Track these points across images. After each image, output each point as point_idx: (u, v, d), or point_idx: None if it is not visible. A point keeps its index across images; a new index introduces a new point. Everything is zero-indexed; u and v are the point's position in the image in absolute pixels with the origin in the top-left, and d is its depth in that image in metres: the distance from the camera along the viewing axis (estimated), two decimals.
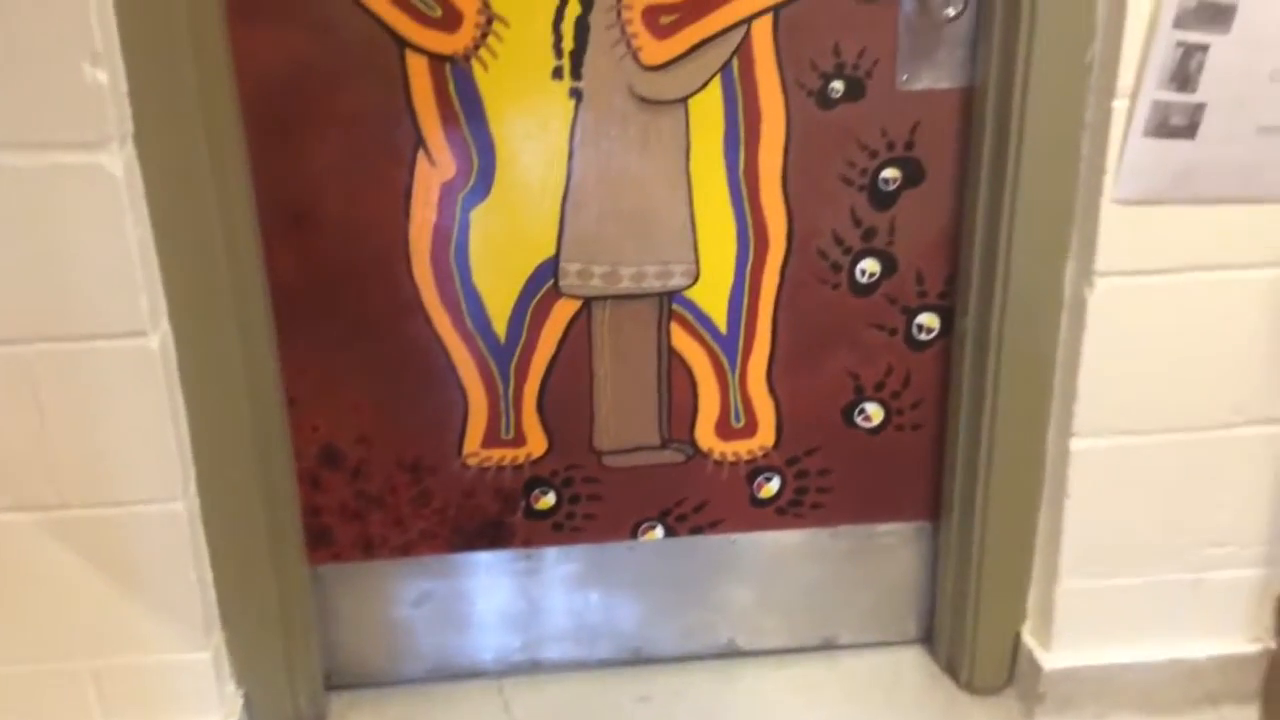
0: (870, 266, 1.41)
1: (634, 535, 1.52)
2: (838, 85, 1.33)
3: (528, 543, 1.50)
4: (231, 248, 1.25)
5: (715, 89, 1.32)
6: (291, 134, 1.29)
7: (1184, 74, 1.17)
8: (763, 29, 1.30)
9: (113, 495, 1.26)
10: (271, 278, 1.34)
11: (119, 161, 1.12)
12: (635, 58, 1.30)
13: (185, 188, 1.20)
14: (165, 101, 1.16)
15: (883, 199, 1.38)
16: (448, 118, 1.29)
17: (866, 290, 1.42)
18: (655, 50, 1.30)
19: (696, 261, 1.39)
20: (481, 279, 1.36)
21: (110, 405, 1.22)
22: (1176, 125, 1.19)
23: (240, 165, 1.26)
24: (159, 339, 1.21)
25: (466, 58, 1.27)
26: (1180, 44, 1.16)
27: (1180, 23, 1.15)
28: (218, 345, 1.27)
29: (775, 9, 1.29)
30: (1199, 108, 1.18)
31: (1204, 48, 1.16)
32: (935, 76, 1.33)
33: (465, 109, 1.29)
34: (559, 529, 1.50)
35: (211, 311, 1.25)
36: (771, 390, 1.46)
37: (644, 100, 1.32)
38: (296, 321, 1.36)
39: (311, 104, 1.28)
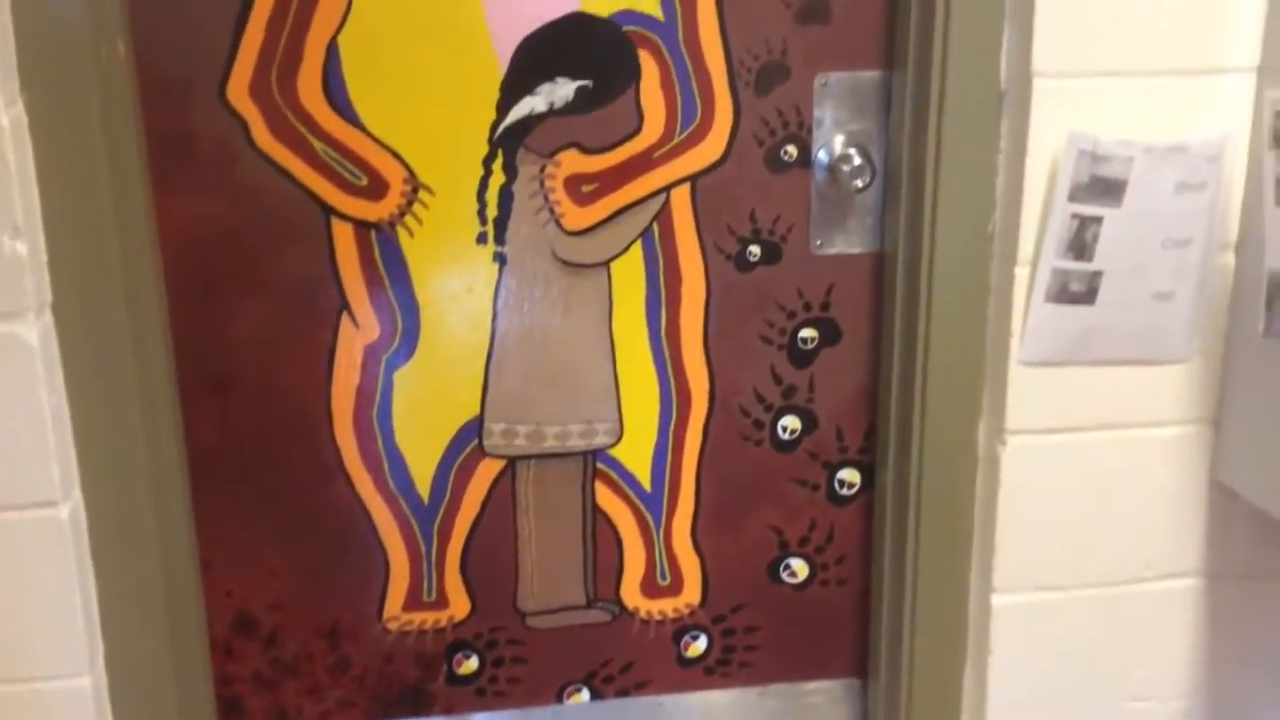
0: (791, 423, 1.44)
1: (559, 699, 1.48)
2: (755, 249, 1.37)
3: (449, 710, 1.46)
4: (149, 414, 1.24)
5: (637, 253, 1.35)
6: (214, 299, 1.29)
7: (1080, 244, 1.23)
8: (682, 196, 1.34)
9: (13, 671, 1.21)
10: (190, 443, 1.32)
11: (34, 331, 1.11)
12: (558, 223, 1.33)
13: (103, 355, 1.19)
14: (85, 270, 1.15)
15: (802, 357, 1.42)
16: (373, 282, 1.31)
17: (788, 446, 1.44)
18: (577, 216, 1.33)
19: (620, 420, 1.40)
20: (405, 440, 1.36)
21: (15, 577, 1.18)
22: (1076, 291, 1.25)
23: (160, 331, 1.26)
24: (69, 508, 1.18)
25: (392, 224, 1.30)
26: (1075, 216, 1.22)
27: (1074, 196, 1.21)
28: (131, 513, 1.24)
29: (693, 178, 1.34)
30: (1096, 275, 1.24)
31: (1098, 219, 1.22)
32: (847, 242, 1.38)
33: (390, 273, 1.31)
34: (482, 694, 1.46)
35: (126, 479, 1.23)
36: (696, 547, 1.46)
37: (567, 264, 1.35)
38: (214, 486, 1.34)
39: (235, 270, 1.28)
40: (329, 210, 1.28)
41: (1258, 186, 1.21)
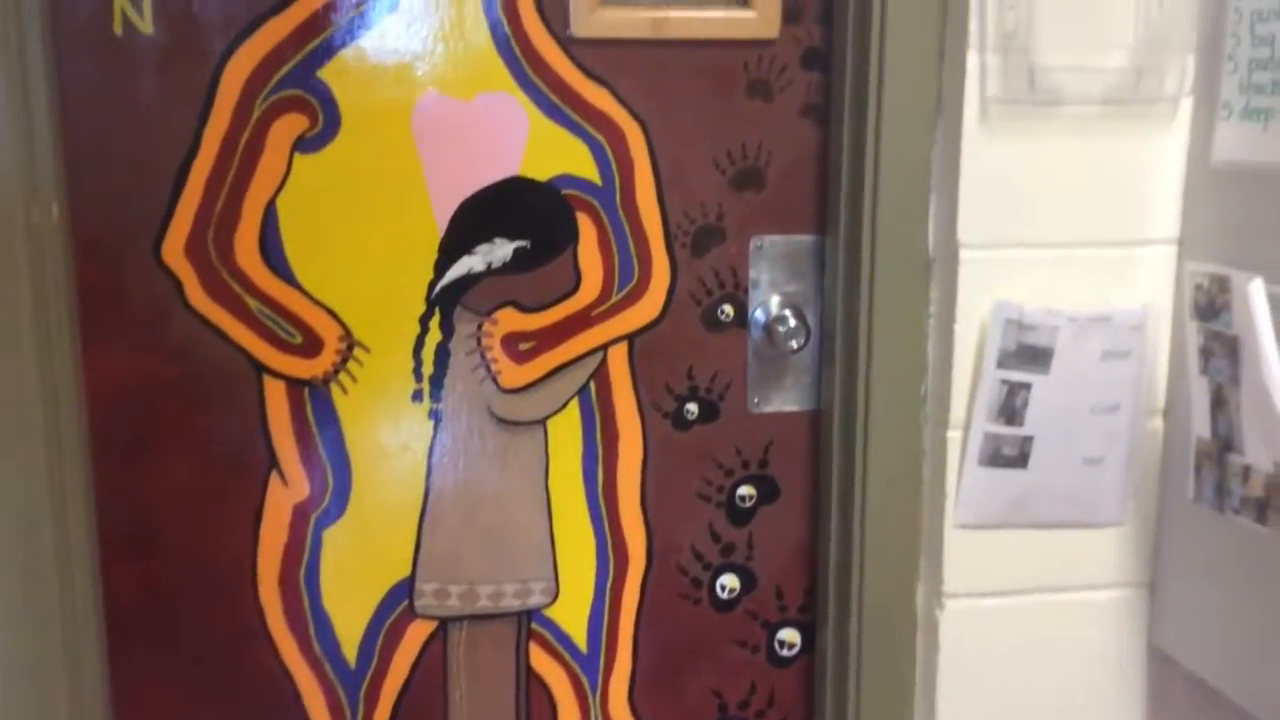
0: (730, 582, 1.42)
1: None
2: (692, 407, 1.37)
3: None
4: (65, 571, 1.20)
5: (574, 410, 1.35)
6: (141, 457, 1.27)
7: (1011, 409, 1.24)
8: (619, 354, 1.35)
9: None
10: (108, 602, 1.28)
11: None
12: (495, 381, 1.33)
13: (19, 510, 1.16)
14: (3, 426, 1.13)
15: (740, 515, 1.40)
16: (304, 440, 1.29)
17: (727, 606, 1.42)
18: (514, 374, 1.33)
19: (556, 579, 1.38)
20: (332, 602, 1.32)
21: None
22: (1008, 455, 1.26)
23: (81, 486, 1.23)
24: None
25: (326, 382, 1.29)
26: (1005, 382, 1.23)
27: (1003, 363, 1.23)
28: (43, 674, 1.19)
29: (631, 336, 1.34)
30: (1028, 440, 1.25)
31: (1027, 386, 1.23)
32: (784, 400, 1.39)
33: (322, 431, 1.29)
34: None
35: (38, 638, 1.19)
36: (634, 711, 1.42)
37: (503, 421, 1.34)
38: (132, 648, 1.29)
39: (163, 428, 1.26)
40: (261, 368, 1.27)
41: (1182, 355, 1.23)
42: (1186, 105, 1.23)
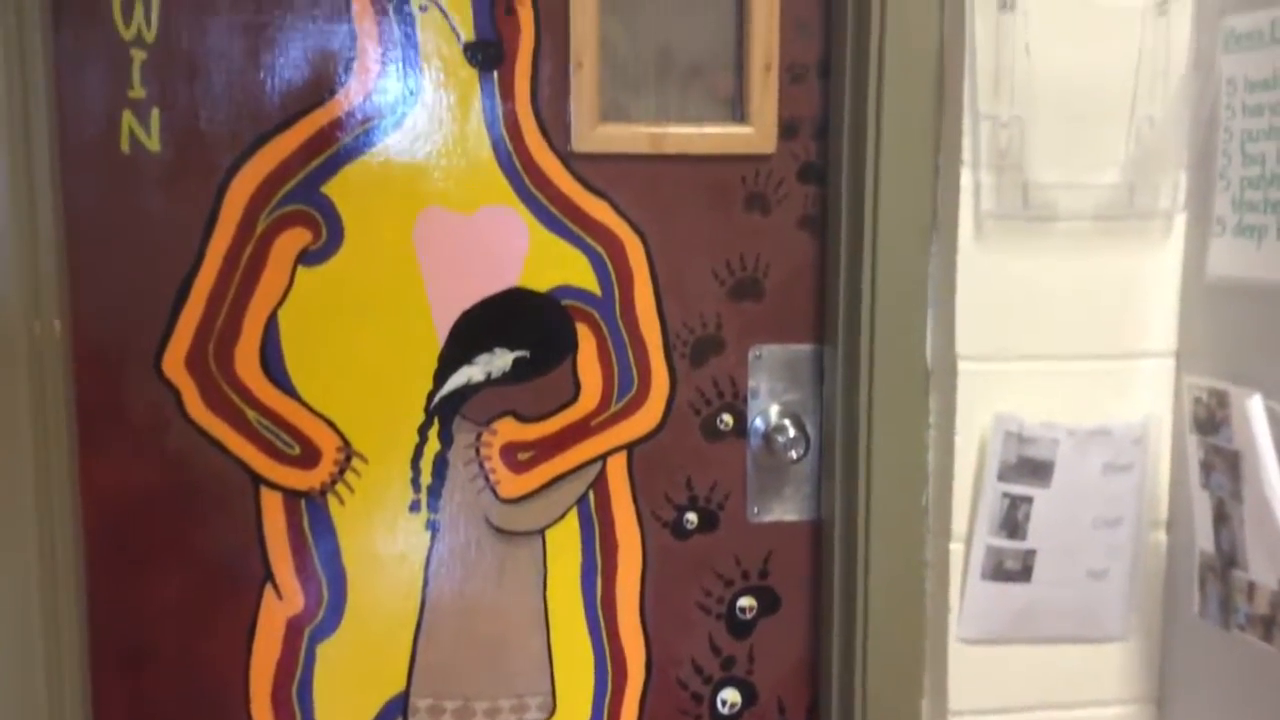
0: (731, 696, 1.39)
1: None
2: (692, 517, 1.36)
3: None
4: (55, 684, 1.18)
5: (572, 520, 1.34)
6: (135, 569, 1.26)
7: (1013, 522, 1.23)
8: (618, 464, 1.34)
9: None
10: (98, 717, 1.25)
11: None
12: (493, 491, 1.32)
13: (10, 620, 1.15)
14: None
15: (740, 627, 1.39)
16: (299, 552, 1.28)
17: None
18: (513, 484, 1.32)
19: (553, 693, 1.35)
20: (325, 718, 1.30)
21: None
22: (1011, 569, 1.24)
23: (75, 599, 1.22)
24: None
25: (323, 493, 1.28)
26: (1006, 495, 1.23)
27: (1004, 476, 1.22)
28: None
29: (630, 446, 1.34)
30: (1030, 553, 1.24)
31: (1028, 499, 1.23)
32: (784, 510, 1.38)
33: (318, 543, 1.28)
34: None
35: None
36: None
37: (501, 531, 1.33)
38: None
39: (159, 539, 1.26)
40: (258, 479, 1.26)
41: (1184, 468, 1.22)
42: (1180, 220, 1.24)
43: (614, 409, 1.33)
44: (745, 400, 1.36)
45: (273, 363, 1.25)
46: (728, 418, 1.36)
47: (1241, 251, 1.15)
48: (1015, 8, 1.18)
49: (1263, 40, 1.12)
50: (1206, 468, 1.17)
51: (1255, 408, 1.10)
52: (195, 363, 1.24)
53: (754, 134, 1.32)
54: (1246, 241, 1.14)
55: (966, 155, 1.21)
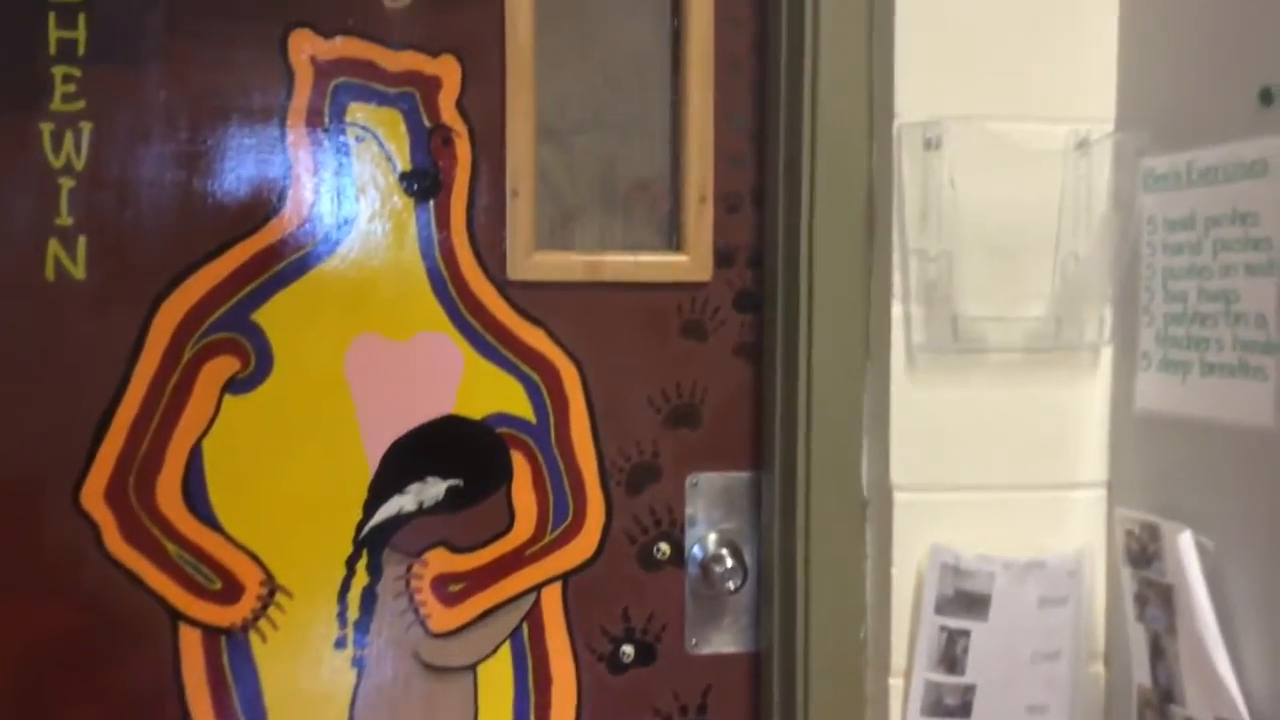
0: None
1: None
2: (628, 649, 1.33)
3: None
4: None
5: (505, 654, 1.31)
6: (45, 713, 1.20)
7: (951, 657, 1.22)
8: (552, 595, 1.31)
9: None
10: None
11: None
12: (423, 625, 1.28)
13: None
14: None
15: None
16: (219, 692, 1.23)
17: None
18: (444, 617, 1.29)
19: None
20: None
21: None
22: (950, 705, 1.22)
23: None
24: None
25: (245, 629, 1.24)
26: (943, 629, 1.21)
27: (941, 609, 1.21)
28: None
29: (565, 576, 1.32)
30: (969, 688, 1.22)
31: (966, 633, 1.21)
32: (723, 641, 1.35)
33: (239, 683, 1.24)
34: None
35: None
36: None
37: (431, 667, 1.29)
38: None
39: (70, 680, 1.20)
40: (177, 616, 1.22)
41: (1119, 601, 1.22)
42: (1108, 353, 1.26)
43: (549, 538, 1.31)
44: (682, 529, 1.34)
45: (195, 494, 1.22)
46: (665, 547, 1.34)
47: (1167, 386, 1.17)
48: (941, 146, 1.21)
49: (1180, 181, 1.15)
50: (1141, 601, 1.17)
51: (1185, 543, 1.10)
52: (115, 495, 1.20)
53: (690, 262, 1.33)
54: (1172, 377, 1.16)
55: (896, 288, 1.22)
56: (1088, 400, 1.26)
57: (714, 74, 1.32)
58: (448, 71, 1.27)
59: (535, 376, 1.30)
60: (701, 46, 1.32)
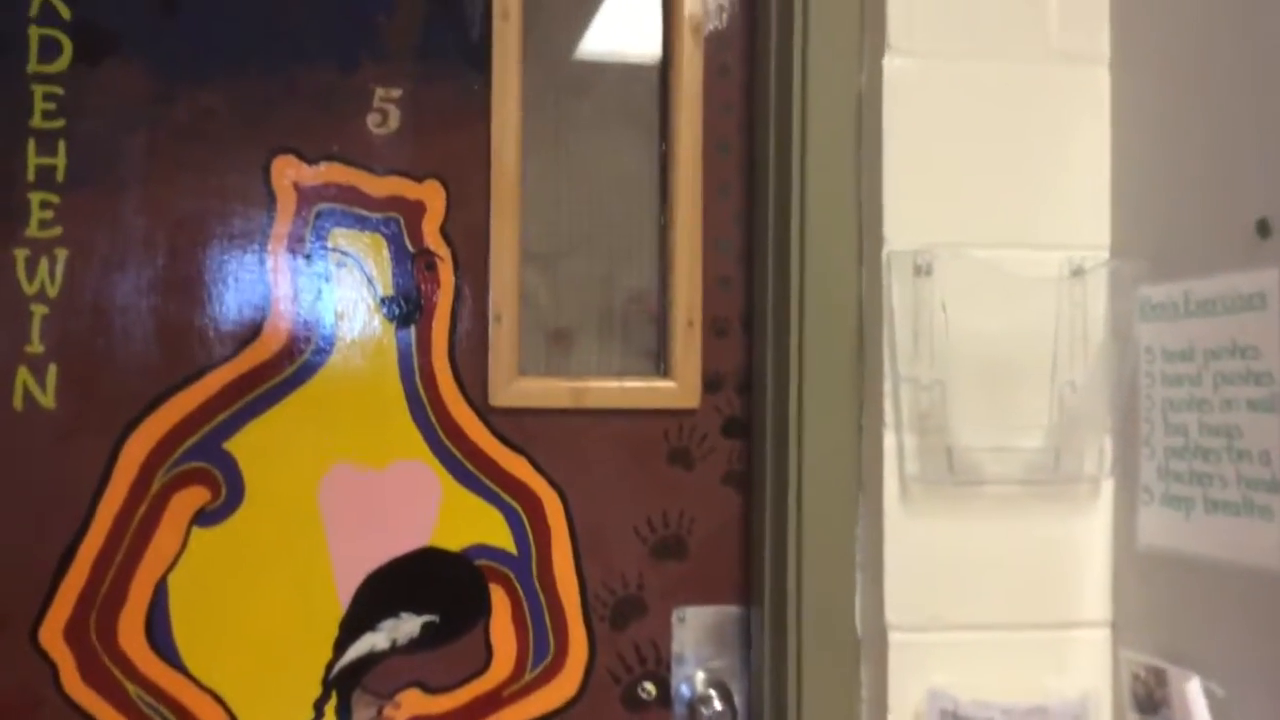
0: None
1: None
2: None
3: None
4: None
5: None
6: None
7: None
8: None
9: None
10: None
11: None
12: None
13: None
14: None
15: None
16: None
17: None
18: None
19: None
20: None
21: None
22: None
23: None
24: None
25: None
26: None
27: None
28: None
29: (545, 718, 1.25)
30: None
31: None
32: None
33: None
34: None
35: None
36: None
37: None
38: None
39: None
40: None
41: None
42: (1108, 486, 1.21)
43: (528, 678, 1.25)
44: (669, 667, 1.28)
45: (159, 632, 1.17)
46: (650, 686, 1.28)
47: (1170, 522, 1.12)
48: (932, 272, 1.19)
49: (1177, 312, 1.12)
50: None
51: (1194, 691, 1.04)
52: (75, 634, 1.15)
53: (677, 388, 1.30)
54: (1175, 512, 1.12)
55: (889, 417, 1.18)
56: (1089, 535, 1.22)
57: (702, 198, 1.31)
58: (432, 196, 1.26)
59: (517, 506, 1.26)
60: (690, 170, 1.30)
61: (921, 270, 1.19)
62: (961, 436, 1.19)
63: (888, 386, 1.19)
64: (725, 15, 1.33)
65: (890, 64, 1.20)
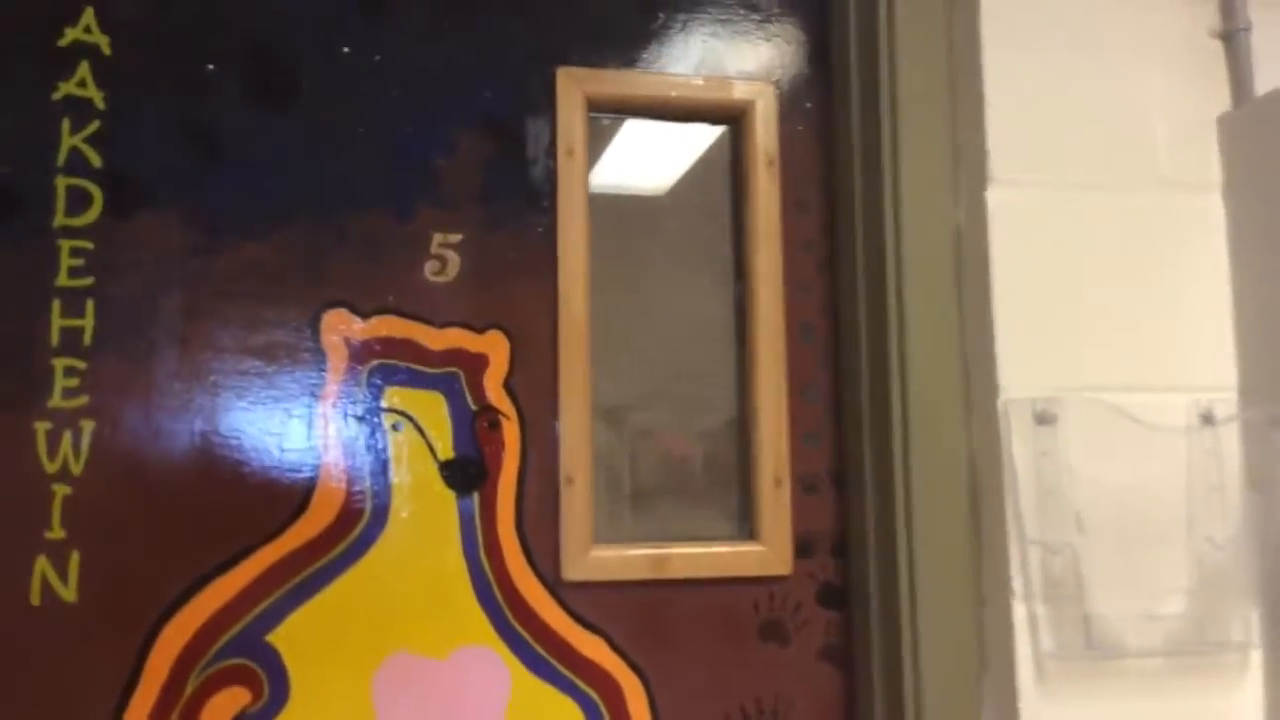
0: None
1: None
2: None
3: None
4: None
5: None
6: None
7: None
8: None
9: None
10: None
11: None
12: None
13: None
14: None
15: None
16: None
17: None
18: None
19: None
20: None
21: None
22: None
23: None
24: None
25: None
26: None
27: None
28: None
29: None
30: None
31: None
32: None
33: None
34: None
35: None
36: None
37: None
38: None
39: None
40: None
41: None
42: (1257, 656, 1.09)
43: None
44: None
45: None
46: None
47: None
48: (1054, 420, 1.08)
49: None
50: None
51: None
52: None
53: (767, 553, 1.17)
54: None
55: (1017, 585, 1.06)
56: (1238, 711, 1.09)
57: (785, 342, 1.20)
58: (495, 348, 1.15)
59: (594, 695, 1.12)
60: (770, 313, 1.20)
61: (1043, 419, 1.08)
62: (1098, 604, 1.07)
63: (1013, 550, 1.07)
64: (800, 147, 1.24)
65: (993, 196, 1.11)
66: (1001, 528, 1.07)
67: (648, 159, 1.24)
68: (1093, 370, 1.10)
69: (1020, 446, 1.07)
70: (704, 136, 1.25)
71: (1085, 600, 1.06)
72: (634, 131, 1.24)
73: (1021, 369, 1.09)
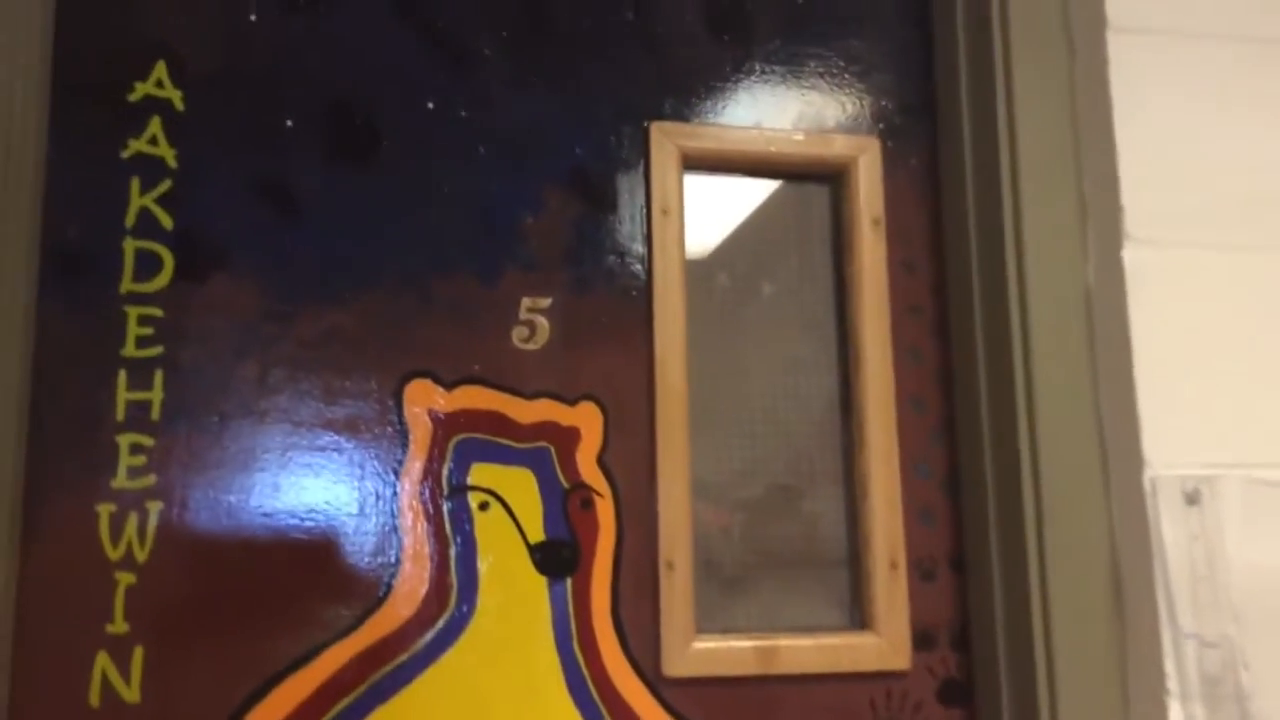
0: None
1: None
2: None
3: None
4: None
5: None
6: None
7: None
8: None
9: None
10: None
11: None
12: None
13: None
14: None
15: None
16: None
17: None
18: None
19: None
20: None
21: None
22: None
23: None
24: None
25: None
26: None
27: None
28: None
29: None
30: None
31: None
32: None
33: None
34: None
35: None
36: None
37: None
38: None
39: None
40: None
41: None
42: None
43: None
44: None
45: None
46: None
47: None
48: (1208, 500, 0.98)
49: None
50: None
51: None
52: None
53: (883, 645, 1.07)
54: None
55: (1173, 684, 0.96)
56: None
57: (895, 414, 1.11)
58: (587, 421, 1.06)
59: None
60: (879, 382, 1.12)
61: (1195, 498, 0.98)
62: (1262, 706, 0.96)
63: (1166, 644, 0.96)
64: (905, 205, 1.17)
65: (1130, 256, 1.03)
66: (1150, 619, 0.97)
67: (747, 219, 1.16)
68: (1245, 445, 1.01)
69: (1170, 529, 0.98)
70: (803, 194, 1.18)
71: (1245, 698, 0.96)
72: (731, 189, 1.16)
73: (1168, 444, 1.00)
